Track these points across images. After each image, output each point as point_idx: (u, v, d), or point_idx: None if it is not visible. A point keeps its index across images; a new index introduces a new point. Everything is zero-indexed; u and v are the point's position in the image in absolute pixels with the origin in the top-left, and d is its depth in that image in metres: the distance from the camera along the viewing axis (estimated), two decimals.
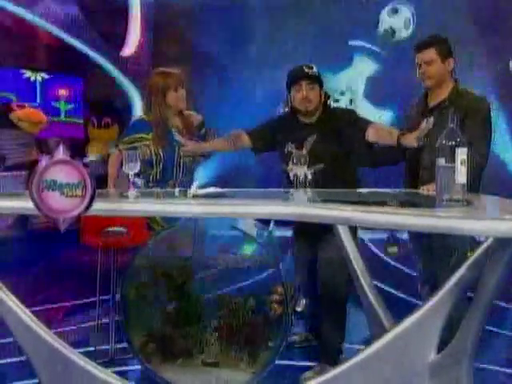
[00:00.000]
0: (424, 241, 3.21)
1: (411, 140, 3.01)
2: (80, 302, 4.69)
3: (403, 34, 8.64)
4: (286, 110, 3.56)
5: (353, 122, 3.36)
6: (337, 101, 8.55)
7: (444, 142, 2.31)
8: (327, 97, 3.48)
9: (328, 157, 3.29)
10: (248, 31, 8.89)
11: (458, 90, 3.22)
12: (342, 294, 3.32)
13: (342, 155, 3.34)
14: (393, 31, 8.67)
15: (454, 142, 2.28)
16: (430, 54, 3.22)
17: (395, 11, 8.64)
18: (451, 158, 2.27)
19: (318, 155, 3.25)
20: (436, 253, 3.12)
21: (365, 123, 3.33)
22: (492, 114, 3.20)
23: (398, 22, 8.65)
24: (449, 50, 3.26)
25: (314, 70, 3.40)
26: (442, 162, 2.30)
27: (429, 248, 3.18)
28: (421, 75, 3.27)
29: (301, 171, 3.13)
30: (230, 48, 8.85)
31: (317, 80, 3.40)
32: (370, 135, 3.24)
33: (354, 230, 3.05)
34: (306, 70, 3.37)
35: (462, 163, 2.27)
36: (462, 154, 2.27)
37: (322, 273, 3.35)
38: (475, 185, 3.04)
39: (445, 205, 2.25)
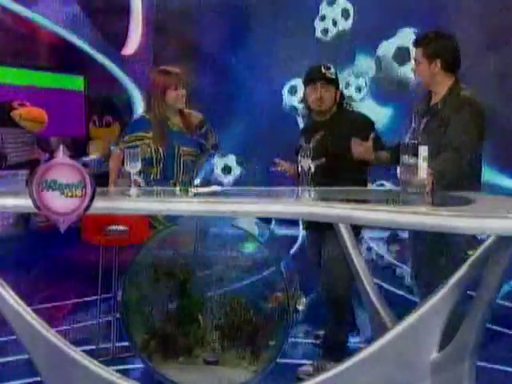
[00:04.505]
0: (415, 236, 3.23)
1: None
2: (81, 301, 4.69)
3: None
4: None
5: (360, 128, 3.40)
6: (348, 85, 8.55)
7: (407, 140, 2.55)
8: (342, 97, 3.53)
9: (331, 153, 3.33)
10: (248, 30, 8.88)
11: (452, 91, 3.12)
12: (346, 292, 3.33)
13: (346, 154, 3.33)
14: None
15: (416, 141, 2.51)
16: (418, 54, 3.18)
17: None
18: (414, 155, 2.50)
19: (322, 151, 3.30)
20: (426, 248, 3.13)
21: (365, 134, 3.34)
22: (478, 115, 3.05)
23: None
24: (436, 50, 3.13)
25: (332, 70, 3.46)
26: (405, 158, 2.52)
27: (419, 243, 3.19)
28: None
29: (305, 163, 3.21)
30: (230, 47, 8.85)
31: (333, 81, 3.45)
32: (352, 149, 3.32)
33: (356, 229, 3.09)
34: (324, 71, 3.43)
35: (423, 160, 2.49)
36: (423, 151, 2.49)
37: (325, 270, 3.36)
38: (459, 186, 2.98)
39: (409, 198, 2.49)
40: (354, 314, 3.61)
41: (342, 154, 3.33)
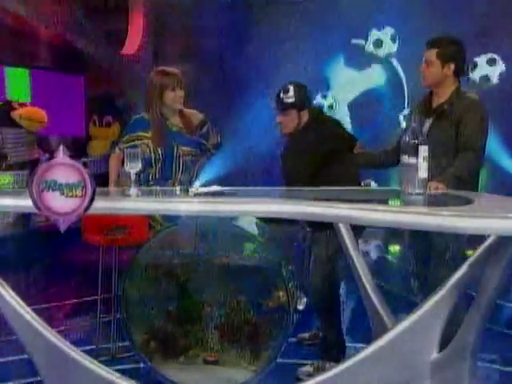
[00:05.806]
0: (415, 236, 3.25)
1: None
2: (81, 301, 4.69)
3: None
4: None
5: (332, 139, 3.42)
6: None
7: (407, 140, 2.54)
8: (312, 114, 3.46)
9: (301, 170, 3.35)
10: (248, 30, 8.87)
11: (457, 93, 3.19)
12: (330, 292, 3.35)
13: (315, 169, 3.32)
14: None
15: (416, 141, 2.52)
16: (432, 54, 3.19)
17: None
18: (414, 155, 2.51)
19: (293, 169, 3.39)
20: (425, 248, 3.14)
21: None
22: (486, 116, 3.15)
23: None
24: (452, 54, 3.19)
25: (290, 93, 3.37)
26: (405, 158, 2.53)
27: (419, 243, 3.21)
28: (421, 72, 3.27)
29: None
30: (230, 47, 8.84)
31: (293, 105, 3.37)
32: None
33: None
34: (281, 96, 3.39)
35: (424, 160, 2.50)
36: (424, 151, 2.51)
37: (310, 271, 3.41)
38: (472, 184, 3.09)
39: (409, 198, 2.48)
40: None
41: (311, 171, 3.32)
